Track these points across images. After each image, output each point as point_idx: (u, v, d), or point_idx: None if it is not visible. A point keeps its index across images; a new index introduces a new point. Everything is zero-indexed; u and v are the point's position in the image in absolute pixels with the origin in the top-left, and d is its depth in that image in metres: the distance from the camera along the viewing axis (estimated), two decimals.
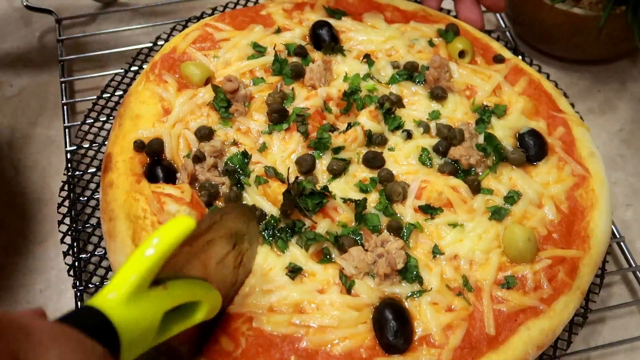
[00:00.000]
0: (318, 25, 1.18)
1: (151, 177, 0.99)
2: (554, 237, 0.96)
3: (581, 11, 1.20)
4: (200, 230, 0.70)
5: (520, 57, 1.23)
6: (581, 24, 1.21)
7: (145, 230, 0.92)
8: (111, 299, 0.63)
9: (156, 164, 1.00)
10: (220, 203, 0.98)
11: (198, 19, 1.28)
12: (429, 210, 0.97)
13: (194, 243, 0.70)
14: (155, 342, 0.68)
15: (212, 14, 1.29)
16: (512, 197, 0.99)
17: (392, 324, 0.85)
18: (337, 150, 1.03)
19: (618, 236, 1.07)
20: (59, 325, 0.57)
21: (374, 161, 1.01)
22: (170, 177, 0.99)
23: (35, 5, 1.37)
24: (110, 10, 1.42)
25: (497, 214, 0.97)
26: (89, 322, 0.61)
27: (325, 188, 0.96)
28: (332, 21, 1.20)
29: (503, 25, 1.37)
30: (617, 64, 1.36)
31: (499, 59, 1.16)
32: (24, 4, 1.37)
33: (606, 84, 1.33)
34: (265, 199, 0.97)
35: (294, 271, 0.90)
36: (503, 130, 1.06)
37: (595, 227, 0.97)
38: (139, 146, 1.01)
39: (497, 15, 1.39)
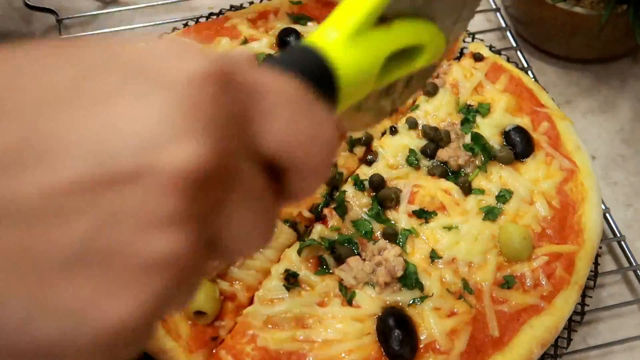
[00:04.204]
0: (285, 33, 1.23)
1: None
2: (548, 233, 1.03)
3: (582, 10, 1.25)
4: None
5: (520, 54, 1.32)
6: (582, 23, 1.26)
7: None
8: (332, 39, 0.54)
9: None
10: None
11: (196, 20, 1.34)
12: (423, 215, 1.03)
13: None
14: (372, 89, 0.61)
15: (209, 17, 1.35)
16: (504, 196, 1.05)
17: (397, 333, 0.90)
18: None
19: (619, 235, 1.13)
20: (291, 84, 0.47)
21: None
22: None
23: (36, 4, 1.39)
24: (111, 9, 1.44)
25: (490, 214, 1.03)
26: (308, 67, 0.52)
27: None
28: (298, 27, 1.25)
29: (504, 25, 1.41)
30: (618, 63, 1.41)
31: (478, 57, 1.23)
32: (25, 3, 1.39)
33: (607, 84, 1.38)
34: None
35: (290, 279, 0.95)
36: (489, 129, 1.12)
37: (587, 221, 1.04)
38: None
39: (497, 14, 1.43)
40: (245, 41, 1.23)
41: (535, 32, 1.39)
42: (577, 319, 1.01)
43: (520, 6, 1.37)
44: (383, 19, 0.58)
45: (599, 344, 1.04)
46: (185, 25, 1.33)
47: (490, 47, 1.29)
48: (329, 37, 0.54)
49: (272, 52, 1.22)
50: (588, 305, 1.03)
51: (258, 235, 0.43)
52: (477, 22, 1.45)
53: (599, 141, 1.30)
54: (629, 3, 1.21)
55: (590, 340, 1.05)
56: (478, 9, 0.91)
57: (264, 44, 1.23)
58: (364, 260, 0.97)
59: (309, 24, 1.27)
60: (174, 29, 1.32)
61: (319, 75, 0.52)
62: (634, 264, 1.10)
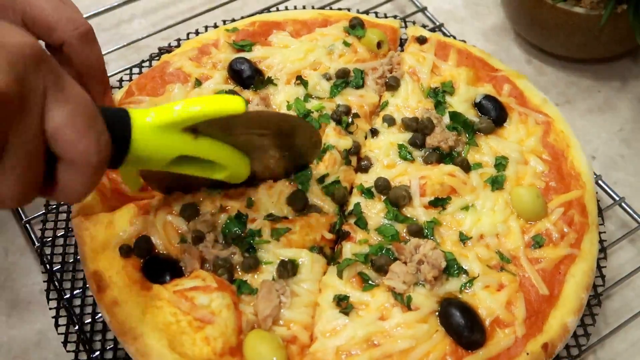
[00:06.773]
0: (235, 63, 1.22)
1: (155, 277, 0.99)
2: (552, 186, 1.11)
3: (582, 10, 1.29)
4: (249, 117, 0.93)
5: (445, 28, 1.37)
6: (582, 23, 1.30)
7: (185, 333, 0.92)
8: (144, 121, 0.82)
9: (153, 261, 1.00)
10: (240, 274, 1.00)
11: (130, 76, 1.30)
12: (438, 203, 1.07)
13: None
14: (163, 169, 0.89)
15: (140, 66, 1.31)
16: (501, 163, 1.12)
17: (463, 322, 0.94)
18: (322, 178, 1.10)
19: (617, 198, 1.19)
20: (85, 94, 0.71)
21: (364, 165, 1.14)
22: (176, 269, 1.00)
23: None
24: None
25: (496, 184, 1.10)
26: (116, 118, 0.79)
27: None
28: (245, 55, 1.25)
29: (420, 7, 1.47)
30: (618, 63, 1.46)
31: (421, 40, 1.28)
32: None
33: (606, 84, 1.43)
34: (289, 248, 1.02)
35: (343, 303, 0.97)
36: (461, 105, 1.19)
37: (579, 165, 1.13)
38: (127, 251, 1.00)
39: None
40: (199, 82, 1.21)
41: (535, 32, 1.41)
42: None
43: (520, 6, 1.39)
44: (195, 130, 0.87)
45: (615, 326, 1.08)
46: (120, 82, 1.29)
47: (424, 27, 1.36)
48: (144, 117, 0.83)
49: (230, 87, 1.21)
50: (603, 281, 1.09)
51: (10, 194, 0.65)
52: (397, 7, 1.51)
53: (599, 141, 1.34)
54: (629, 3, 1.25)
55: (609, 319, 1.10)
56: None
57: (219, 80, 1.21)
58: (405, 263, 1.00)
59: (254, 48, 1.27)
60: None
61: (119, 132, 0.80)
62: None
